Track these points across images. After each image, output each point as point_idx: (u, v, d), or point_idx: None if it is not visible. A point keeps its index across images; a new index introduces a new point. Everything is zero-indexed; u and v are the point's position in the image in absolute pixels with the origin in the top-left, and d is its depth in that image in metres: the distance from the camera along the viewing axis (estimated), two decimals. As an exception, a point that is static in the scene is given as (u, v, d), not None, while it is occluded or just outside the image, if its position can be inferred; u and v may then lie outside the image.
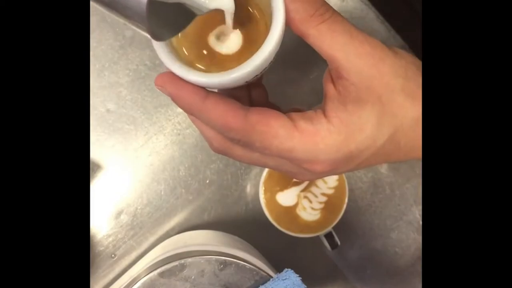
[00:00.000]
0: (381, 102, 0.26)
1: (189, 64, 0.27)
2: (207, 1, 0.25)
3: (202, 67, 0.28)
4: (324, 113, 0.26)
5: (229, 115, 0.25)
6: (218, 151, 0.30)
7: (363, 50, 0.25)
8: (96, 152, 0.54)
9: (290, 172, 0.30)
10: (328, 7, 0.26)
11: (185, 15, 0.25)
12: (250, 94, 0.31)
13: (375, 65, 0.25)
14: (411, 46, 0.55)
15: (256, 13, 0.29)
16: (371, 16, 0.56)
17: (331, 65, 0.26)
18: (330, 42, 0.25)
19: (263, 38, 0.26)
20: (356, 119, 0.26)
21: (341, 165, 0.27)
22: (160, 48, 0.26)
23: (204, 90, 0.26)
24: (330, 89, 0.27)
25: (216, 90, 0.28)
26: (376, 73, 0.25)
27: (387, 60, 0.26)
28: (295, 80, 0.56)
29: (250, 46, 0.28)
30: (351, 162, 0.27)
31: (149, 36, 0.23)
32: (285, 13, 0.25)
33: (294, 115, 0.27)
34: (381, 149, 0.27)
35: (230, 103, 0.26)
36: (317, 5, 0.25)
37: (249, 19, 0.29)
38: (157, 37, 0.24)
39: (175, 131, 0.55)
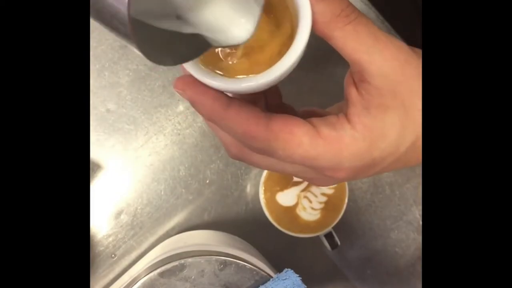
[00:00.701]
0: (404, 107, 0.25)
1: (207, 67, 0.26)
2: (224, 38, 0.23)
3: (220, 71, 0.27)
4: (347, 117, 0.25)
5: (252, 123, 0.25)
6: (235, 157, 0.29)
7: (388, 53, 0.24)
8: (96, 152, 0.54)
9: (309, 178, 0.29)
10: (354, 8, 0.25)
11: (198, 44, 0.23)
12: (265, 95, 0.31)
13: (400, 68, 0.24)
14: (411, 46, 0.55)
15: (281, 6, 0.27)
16: (371, 16, 0.56)
17: (354, 67, 0.25)
18: (355, 44, 0.24)
19: (286, 35, 0.24)
20: (380, 124, 0.25)
21: (363, 172, 0.26)
22: None
23: (226, 96, 0.25)
24: (352, 92, 0.26)
25: (230, 94, 0.27)
26: (401, 77, 0.24)
27: (412, 63, 0.25)
28: (296, 80, 0.56)
29: (272, 43, 0.26)
30: (372, 169, 0.26)
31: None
32: (312, 14, 0.24)
33: (316, 121, 0.26)
34: (403, 155, 0.26)
35: (253, 111, 0.25)
36: (343, 6, 0.24)
37: (272, 12, 0.27)
38: (156, 60, 0.21)
39: (175, 131, 0.55)
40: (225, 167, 0.55)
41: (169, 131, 0.55)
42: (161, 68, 0.55)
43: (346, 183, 0.52)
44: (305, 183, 0.52)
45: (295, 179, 0.52)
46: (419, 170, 0.56)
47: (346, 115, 0.26)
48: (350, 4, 0.25)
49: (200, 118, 0.55)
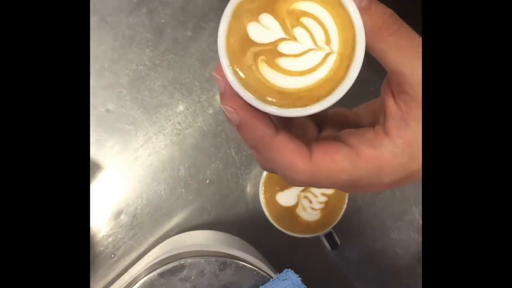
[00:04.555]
0: None
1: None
2: None
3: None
4: (385, 131, 0.25)
5: (296, 156, 0.25)
6: (269, 170, 0.29)
7: None
8: (96, 152, 0.54)
9: (344, 189, 0.29)
10: (396, 18, 0.24)
11: None
12: None
13: None
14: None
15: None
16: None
17: (394, 78, 0.25)
18: (397, 55, 0.24)
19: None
20: (419, 138, 0.25)
21: (399, 183, 0.26)
22: (231, 76, 0.24)
23: (274, 124, 0.25)
24: (390, 104, 0.25)
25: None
26: None
27: None
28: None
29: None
30: (408, 180, 0.26)
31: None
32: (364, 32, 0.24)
33: (353, 139, 0.26)
34: None
35: (297, 143, 0.25)
36: (385, 17, 0.24)
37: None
38: None
39: (175, 131, 0.55)
40: (225, 167, 0.55)
41: (169, 131, 0.55)
42: (161, 68, 0.54)
43: (346, 183, 0.52)
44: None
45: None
46: (419, 170, 0.56)
47: (384, 128, 0.25)
48: (393, 14, 0.24)
49: (200, 118, 0.55)
